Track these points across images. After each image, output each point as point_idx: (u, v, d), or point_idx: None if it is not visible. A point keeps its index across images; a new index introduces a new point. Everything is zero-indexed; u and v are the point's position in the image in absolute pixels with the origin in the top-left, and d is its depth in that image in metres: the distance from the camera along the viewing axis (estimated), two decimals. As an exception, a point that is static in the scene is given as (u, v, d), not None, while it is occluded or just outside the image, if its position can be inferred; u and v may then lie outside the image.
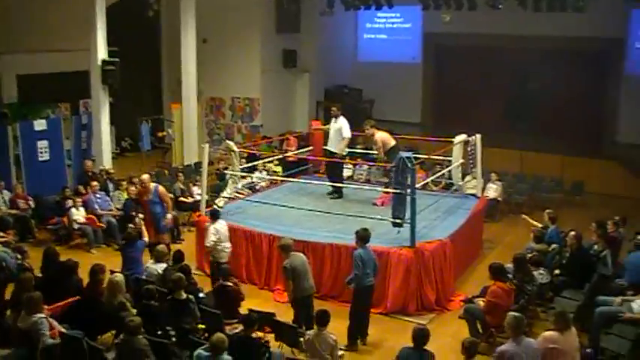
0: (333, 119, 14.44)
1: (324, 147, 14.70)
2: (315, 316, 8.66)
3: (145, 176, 12.96)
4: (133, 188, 15.09)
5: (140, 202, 12.91)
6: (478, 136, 14.27)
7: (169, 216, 12.86)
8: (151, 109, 23.52)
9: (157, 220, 12.49)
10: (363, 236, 10.14)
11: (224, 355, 7.63)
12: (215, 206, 13.60)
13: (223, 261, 11.48)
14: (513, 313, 7.97)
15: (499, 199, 16.61)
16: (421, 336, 7.75)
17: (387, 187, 14.63)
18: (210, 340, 7.77)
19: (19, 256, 11.89)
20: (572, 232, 11.50)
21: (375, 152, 14.45)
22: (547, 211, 13.00)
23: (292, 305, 10.24)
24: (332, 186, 14.38)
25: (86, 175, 16.20)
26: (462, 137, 14.33)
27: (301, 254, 10.37)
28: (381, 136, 13.93)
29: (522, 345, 7.57)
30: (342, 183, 14.67)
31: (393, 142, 13.95)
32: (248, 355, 8.17)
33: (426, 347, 7.76)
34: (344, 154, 14.63)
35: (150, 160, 21.10)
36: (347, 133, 14.17)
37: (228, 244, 11.73)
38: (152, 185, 12.66)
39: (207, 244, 11.59)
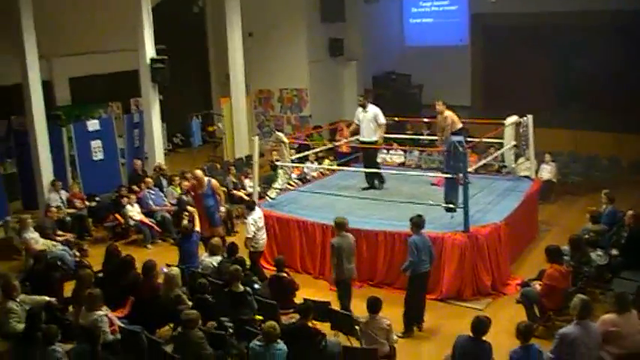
0: (361, 109, 14.04)
1: (358, 138, 14.31)
2: (367, 303, 8.64)
3: (199, 172, 13.12)
4: (186, 183, 15.28)
5: (194, 196, 13.06)
6: (530, 117, 14.01)
7: (223, 209, 13.03)
8: (200, 105, 23.72)
9: (211, 214, 12.66)
10: (417, 222, 10.10)
11: (278, 344, 7.69)
12: (268, 198, 13.71)
13: (261, 250, 11.84)
14: (581, 295, 7.81)
15: (553, 180, 16.32)
16: (481, 326, 7.61)
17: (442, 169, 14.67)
18: (262, 329, 7.83)
19: (77, 254, 12.20)
20: (631, 212, 11.27)
21: (431, 137, 14.34)
22: (604, 191, 12.73)
23: (336, 286, 10.39)
24: (370, 177, 14.02)
25: (136, 174, 16.45)
26: (514, 119, 14.12)
27: (351, 236, 10.41)
28: (451, 114, 13.98)
29: (585, 328, 7.44)
30: (380, 173, 14.22)
31: (460, 125, 13.93)
32: (305, 343, 8.19)
33: (484, 337, 7.65)
34: (376, 139, 13.99)
35: (201, 154, 21.32)
36: (382, 119, 13.87)
37: (264, 234, 12.02)
38: (205, 179, 12.81)
39: (249, 235, 11.72)
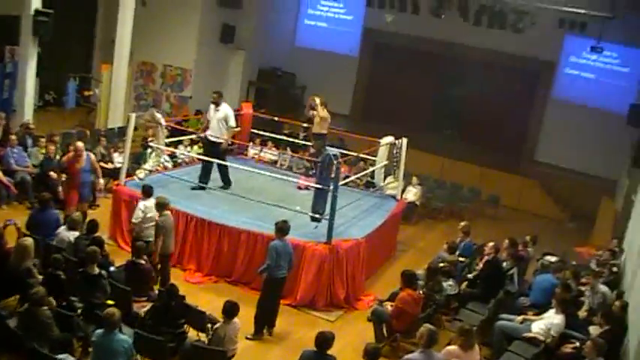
0: (213, 106, 13.61)
1: (206, 135, 13.86)
2: (225, 308, 8.62)
3: (80, 143, 12.68)
4: (52, 147, 14.73)
5: (70, 169, 12.54)
6: (404, 140, 14.49)
7: (102, 181, 13.16)
8: (80, 66, 22.82)
9: (84, 189, 12.42)
10: (282, 228, 10.19)
11: (119, 333, 7.60)
12: (135, 177, 13.45)
13: (148, 240, 10.99)
14: (428, 325, 8.13)
15: (417, 202, 16.95)
16: (324, 341, 7.75)
17: (307, 173, 14.94)
18: (102, 315, 7.68)
19: None
20: (492, 243, 11.87)
21: (306, 142, 14.48)
22: (462, 223, 13.36)
23: (160, 260, 10.81)
24: (205, 177, 13.61)
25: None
26: (389, 139, 14.56)
27: (170, 214, 10.95)
28: (325, 114, 14.31)
29: (429, 357, 7.76)
30: (226, 174, 13.70)
31: (325, 130, 14.22)
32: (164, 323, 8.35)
33: (327, 352, 7.78)
34: (222, 142, 13.57)
35: (73, 117, 20.54)
36: (233, 122, 13.54)
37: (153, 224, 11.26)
38: (85, 154, 12.41)
39: (134, 221, 11.22)
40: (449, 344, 8.60)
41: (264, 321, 10.31)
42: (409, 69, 23.58)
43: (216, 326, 8.68)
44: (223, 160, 13.67)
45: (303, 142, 17.29)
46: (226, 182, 13.69)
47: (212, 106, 13.63)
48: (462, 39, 21.38)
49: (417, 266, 11.64)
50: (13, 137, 14.85)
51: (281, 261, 10.11)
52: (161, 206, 10.87)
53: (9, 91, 17.36)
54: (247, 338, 9.71)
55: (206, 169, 13.67)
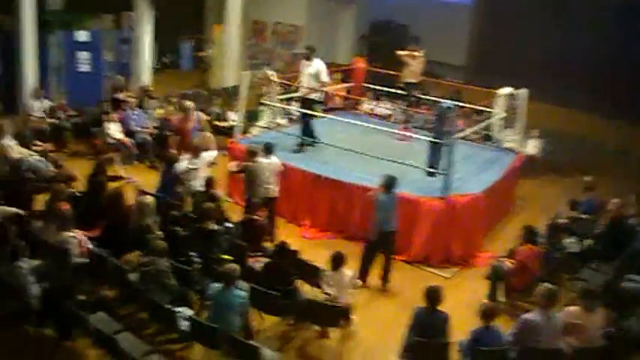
0: (304, 60, 13.26)
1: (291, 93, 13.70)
2: (331, 259, 8.74)
3: (189, 103, 12.89)
4: (170, 108, 15.09)
5: (180, 129, 12.81)
6: (524, 90, 13.92)
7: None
8: (194, 28, 23.26)
9: None
10: (386, 182, 10.07)
11: (237, 287, 7.69)
12: (249, 135, 13.57)
13: (260, 197, 11.09)
14: (548, 284, 7.82)
15: (538, 156, 16.32)
16: (434, 296, 7.61)
17: (406, 125, 14.90)
18: (222, 270, 7.78)
19: (52, 168, 12.02)
20: (616, 200, 11.24)
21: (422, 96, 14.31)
22: (585, 178, 12.71)
23: (245, 206, 11.05)
24: (303, 137, 13.37)
25: (117, 90, 16.05)
26: (508, 90, 14.02)
27: (266, 166, 10.96)
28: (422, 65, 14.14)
29: (548, 317, 7.46)
30: (315, 132, 13.44)
31: (420, 79, 14.23)
32: (276, 283, 8.33)
33: (439, 307, 7.64)
34: (320, 100, 13.56)
35: (189, 78, 21.04)
36: (325, 77, 13.14)
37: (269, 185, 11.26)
38: (195, 114, 12.62)
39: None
40: (570, 305, 8.21)
41: (366, 273, 10.22)
42: (529, 16, 22.51)
43: (324, 275, 8.75)
44: (312, 116, 13.37)
45: (419, 97, 16.94)
46: (310, 138, 13.38)
47: (304, 62, 13.30)
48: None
49: (537, 222, 11.14)
50: (133, 100, 15.31)
51: (387, 215, 10.01)
52: (250, 154, 11.07)
53: (128, 55, 17.82)
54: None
55: (305, 125, 13.49)
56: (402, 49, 14.56)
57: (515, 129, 14.46)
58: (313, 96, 13.18)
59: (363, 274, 10.16)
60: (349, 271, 8.89)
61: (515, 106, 14.03)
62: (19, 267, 7.74)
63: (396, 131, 14.38)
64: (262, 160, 11.13)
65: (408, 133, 13.82)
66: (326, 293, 8.69)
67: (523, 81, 14.37)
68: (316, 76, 12.96)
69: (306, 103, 13.25)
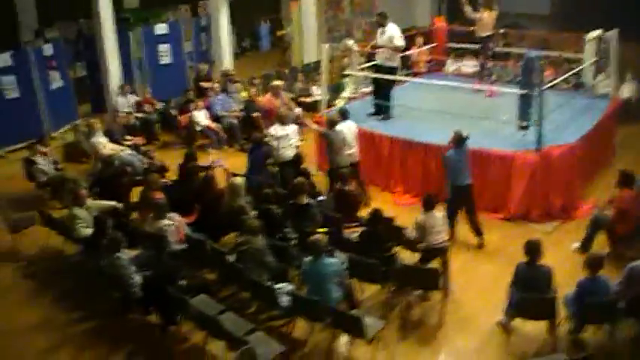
0: (380, 28, 12.67)
1: (374, 61, 13.16)
2: (423, 201, 8.93)
3: (278, 82, 12.96)
4: (254, 90, 15.19)
5: (270, 109, 12.90)
6: (614, 31, 13.28)
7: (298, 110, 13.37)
8: (270, 9, 23.31)
9: None
10: (454, 138, 9.93)
11: (328, 257, 7.67)
12: (335, 107, 13.51)
13: (344, 164, 11.05)
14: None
15: (634, 99, 15.59)
16: (533, 250, 7.40)
17: (483, 78, 14.58)
18: (308, 242, 7.77)
19: (146, 160, 12.31)
20: None
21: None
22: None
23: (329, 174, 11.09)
24: (381, 105, 12.94)
25: (200, 78, 16.32)
26: (596, 33, 13.41)
27: (345, 131, 10.94)
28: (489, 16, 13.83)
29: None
30: (391, 101, 12.95)
31: (489, 32, 13.91)
32: (374, 249, 8.33)
33: (541, 262, 7.44)
34: (396, 65, 12.89)
35: (269, 59, 21.15)
36: (399, 41, 12.45)
37: (351, 150, 11.31)
38: (282, 94, 12.69)
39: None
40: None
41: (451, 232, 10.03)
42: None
43: (417, 218, 8.78)
44: (390, 85, 12.96)
45: (505, 50, 16.47)
46: (384, 110, 12.96)
47: (379, 29, 12.82)
48: None
49: (639, 168, 10.69)
50: (216, 85, 15.50)
51: (460, 170, 9.89)
52: (330, 123, 11.14)
53: (207, 43, 18.05)
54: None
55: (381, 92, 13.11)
56: (475, 7, 14.12)
57: (608, 73, 13.83)
58: (390, 63, 12.75)
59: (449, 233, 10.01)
60: (440, 213, 8.96)
61: (606, 50, 13.39)
62: (118, 258, 7.95)
63: (480, 87, 14.00)
64: (341, 127, 11.14)
65: (492, 87, 13.44)
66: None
67: (611, 24, 13.68)
68: (390, 41, 12.54)
69: (383, 70, 12.87)
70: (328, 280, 7.53)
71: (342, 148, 11.08)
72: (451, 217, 9.99)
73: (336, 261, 7.74)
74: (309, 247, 7.65)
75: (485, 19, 13.98)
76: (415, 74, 16.02)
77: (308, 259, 7.67)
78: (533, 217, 10.83)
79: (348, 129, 11.22)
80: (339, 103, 13.88)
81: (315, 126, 11.99)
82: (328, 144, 11.17)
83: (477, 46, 14.97)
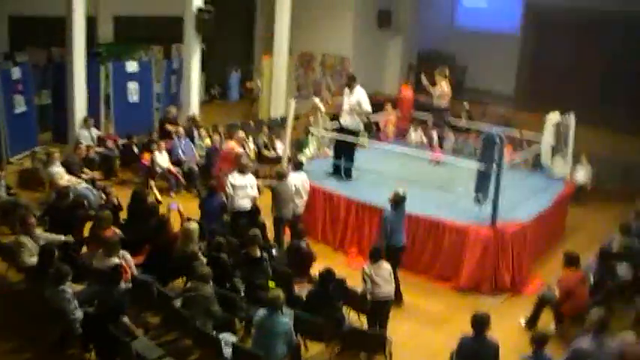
0: (346, 89, 12.90)
1: (338, 120, 13.33)
2: (370, 253, 9.25)
3: (241, 133, 13.13)
4: (217, 137, 15.21)
5: (229, 157, 12.97)
6: (572, 115, 13.69)
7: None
8: (241, 59, 23.54)
9: None
10: (394, 198, 10.19)
11: (282, 314, 7.63)
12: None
13: (288, 216, 11.45)
14: (599, 310, 7.61)
15: (587, 182, 16.00)
16: (480, 322, 7.39)
17: (437, 144, 15.04)
18: (267, 296, 7.76)
19: (103, 195, 12.19)
20: None
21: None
22: (637, 204, 12.38)
23: (274, 223, 11.38)
24: (340, 166, 13.04)
25: (167, 120, 16.28)
26: (555, 116, 13.78)
27: (290, 185, 11.33)
28: (445, 87, 14.28)
29: (600, 344, 7.23)
30: (352, 163, 13.09)
31: (446, 104, 14.44)
32: (323, 309, 8.35)
33: (486, 334, 7.43)
34: (360, 129, 13.18)
35: (236, 109, 21.23)
36: (366, 105, 12.67)
37: (299, 201, 11.73)
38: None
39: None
40: (623, 333, 7.94)
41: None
42: (575, 42, 22.14)
43: (364, 269, 9.05)
44: (352, 147, 13.08)
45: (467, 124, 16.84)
46: (344, 171, 13.07)
47: (346, 90, 13.00)
48: (631, 6, 19.71)
49: (588, 250, 10.94)
50: (181, 129, 15.49)
51: (395, 230, 10.10)
52: (280, 176, 11.43)
53: (176, 86, 18.11)
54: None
55: (340, 157, 13.19)
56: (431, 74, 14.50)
57: (564, 156, 14.18)
58: (354, 125, 12.92)
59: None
60: (387, 264, 9.12)
61: (563, 133, 13.77)
62: (63, 291, 7.82)
63: (433, 154, 14.27)
64: (292, 177, 11.54)
65: (438, 153, 14.07)
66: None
67: (571, 107, 14.13)
68: (358, 105, 12.74)
69: (346, 132, 13.00)
70: (278, 337, 7.49)
71: (288, 200, 11.38)
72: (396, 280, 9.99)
73: (288, 320, 7.70)
74: (268, 301, 7.63)
75: (444, 89, 14.29)
76: (379, 139, 16.21)
77: (262, 312, 7.63)
78: (483, 290, 10.95)
79: (299, 180, 11.65)
80: (301, 159, 13.93)
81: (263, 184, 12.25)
82: (275, 195, 11.35)
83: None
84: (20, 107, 15.27)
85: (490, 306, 10.21)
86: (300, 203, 11.77)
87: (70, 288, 7.96)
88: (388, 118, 16.76)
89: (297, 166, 12.02)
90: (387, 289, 8.97)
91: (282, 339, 7.52)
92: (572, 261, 9.58)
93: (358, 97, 12.70)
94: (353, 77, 13.11)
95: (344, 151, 13.10)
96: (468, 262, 10.99)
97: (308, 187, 11.96)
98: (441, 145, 15.34)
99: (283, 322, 7.58)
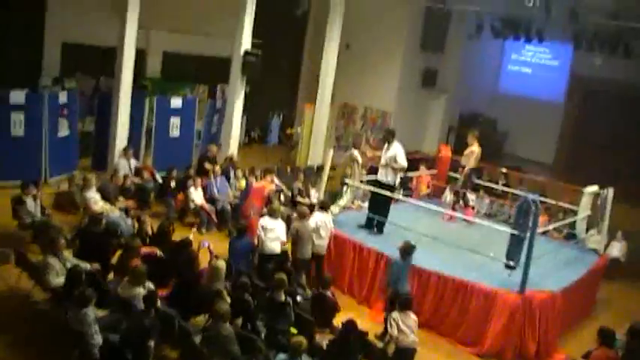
0: (386, 144, 12.95)
1: (376, 178, 13.31)
2: (398, 302, 9.47)
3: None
4: (252, 179, 15.29)
5: (260, 194, 13.13)
6: (610, 190, 13.55)
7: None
8: (284, 105, 23.77)
9: None
10: (403, 247, 10.59)
11: (302, 358, 7.61)
12: (330, 212, 13.57)
13: (307, 256, 11.72)
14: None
15: (622, 259, 15.74)
16: None
17: (454, 205, 14.92)
18: (290, 342, 7.81)
19: (136, 224, 12.29)
20: None
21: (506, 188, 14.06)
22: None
23: (293, 264, 11.48)
24: (374, 219, 13.06)
25: (206, 158, 16.45)
26: (594, 189, 13.67)
27: (311, 224, 11.65)
28: (476, 151, 14.24)
29: None
30: (386, 217, 13.08)
31: (476, 164, 14.40)
32: (342, 357, 8.39)
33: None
34: (395, 184, 13.19)
35: (275, 154, 21.35)
36: (402, 160, 12.71)
37: (321, 241, 11.96)
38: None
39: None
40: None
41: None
42: (618, 116, 22.13)
43: (392, 315, 9.24)
44: (387, 201, 13.09)
45: (504, 189, 16.74)
46: (377, 225, 13.09)
47: (385, 145, 13.07)
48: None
49: (618, 327, 10.65)
50: (218, 168, 15.61)
51: (399, 279, 10.49)
52: (301, 215, 11.84)
53: (217, 125, 18.32)
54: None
55: (374, 212, 13.22)
56: (479, 140, 14.48)
57: (599, 229, 14.01)
58: (389, 179, 12.93)
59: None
60: (414, 315, 9.31)
61: (600, 206, 13.61)
62: (85, 314, 7.84)
63: (460, 215, 14.27)
64: (315, 217, 12.00)
65: (453, 212, 14.24)
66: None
67: (610, 182, 14.00)
68: (394, 160, 12.77)
69: (382, 186, 13.01)
70: None
71: (308, 240, 11.60)
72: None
73: None
74: (290, 347, 7.65)
75: (472, 150, 14.28)
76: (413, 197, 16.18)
77: (282, 357, 7.65)
78: (506, 358, 10.73)
79: (322, 220, 11.94)
80: (335, 210, 13.93)
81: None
82: (295, 235, 11.55)
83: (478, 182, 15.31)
84: (64, 131, 15.60)
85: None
86: (321, 243, 11.93)
87: (93, 312, 7.98)
88: (421, 177, 16.72)
89: (323, 206, 12.30)
90: (412, 338, 9.06)
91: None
92: (607, 339, 9.29)
93: (395, 151, 12.73)
94: (391, 132, 13.14)
95: (378, 205, 13.09)
96: (494, 327, 10.78)
97: (331, 227, 12.21)
98: (466, 204, 15.22)
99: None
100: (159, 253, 10.58)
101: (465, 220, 14.06)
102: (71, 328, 7.89)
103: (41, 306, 9.36)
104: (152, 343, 7.94)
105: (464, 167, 14.58)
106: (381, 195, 12.94)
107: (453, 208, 14.84)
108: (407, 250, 10.58)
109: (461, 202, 15.22)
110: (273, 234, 11.55)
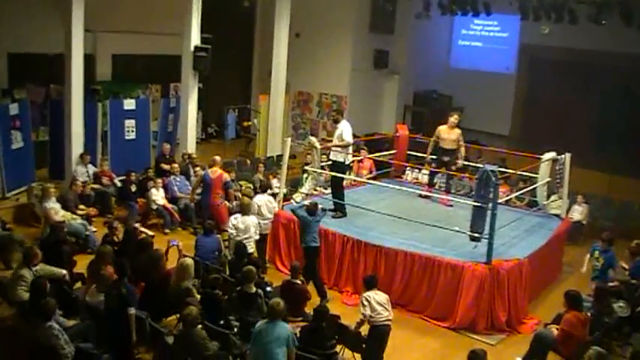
0: (336, 125, 13.24)
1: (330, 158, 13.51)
2: (364, 281, 9.60)
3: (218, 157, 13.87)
4: (208, 170, 15.22)
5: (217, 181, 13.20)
6: (568, 155, 13.76)
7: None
8: (238, 98, 23.63)
9: None
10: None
11: (281, 320, 7.74)
12: (292, 201, 13.60)
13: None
14: (597, 348, 7.54)
15: (583, 222, 16.03)
16: None
17: (445, 190, 15.00)
18: (268, 305, 7.97)
19: (94, 229, 12.18)
20: None
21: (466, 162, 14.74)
22: (635, 242, 12.32)
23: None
24: (335, 203, 13.18)
25: (163, 157, 16.37)
26: (551, 155, 13.86)
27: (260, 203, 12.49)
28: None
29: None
30: (343, 198, 13.21)
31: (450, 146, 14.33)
32: (316, 344, 8.31)
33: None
34: (347, 162, 13.39)
35: (233, 148, 21.25)
36: (348, 137, 12.88)
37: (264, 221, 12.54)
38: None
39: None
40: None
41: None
42: (568, 83, 22.37)
43: (363, 294, 9.25)
44: (340, 180, 13.27)
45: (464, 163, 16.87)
46: (338, 208, 13.15)
47: (336, 126, 13.29)
48: (624, 47, 19.86)
49: (584, 289, 10.87)
50: (176, 166, 15.52)
51: (307, 232, 11.33)
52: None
53: (173, 124, 18.19)
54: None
55: (333, 194, 13.39)
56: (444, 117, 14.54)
57: (559, 194, 14.24)
58: (340, 157, 13.05)
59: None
60: (383, 293, 9.30)
61: (559, 172, 13.82)
62: (50, 327, 7.69)
63: (438, 196, 14.31)
64: (257, 199, 12.64)
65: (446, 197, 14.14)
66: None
67: (567, 148, 14.21)
68: (340, 137, 12.93)
69: (334, 165, 13.21)
70: (278, 344, 7.54)
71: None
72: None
73: (288, 326, 7.78)
74: (268, 310, 7.80)
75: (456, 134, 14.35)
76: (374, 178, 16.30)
77: (261, 322, 7.76)
78: (478, 329, 10.85)
79: (261, 200, 12.54)
80: (297, 197, 13.95)
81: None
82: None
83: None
84: (17, 143, 15.30)
85: (486, 345, 10.12)
86: (264, 222, 12.58)
87: (57, 323, 7.83)
88: (362, 162, 16.93)
89: (264, 188, 13.07)
90: (385, 314, 9.06)
91: (283, 345, 7.52)
92: (574, 302, 9.42)
93: (342, 128, 12.91)
94: (339, 111, 13.49)
95: (334, 186, 13.32)
96: (464, 300, 10.90)
97: (273, 208, 12.86)
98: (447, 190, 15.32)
99: (284, 327, 7.64)
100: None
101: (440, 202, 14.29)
102: (41, 343, 7.75)
103: (5, 323, 9.16)
104: (132, 311, 8.10)
105: (455, 150, 14.46)
106: (334, 176, 13.17)
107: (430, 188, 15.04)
108: (310, 208, 11.49)
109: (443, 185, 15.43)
110: (246, 234, 11.70)
